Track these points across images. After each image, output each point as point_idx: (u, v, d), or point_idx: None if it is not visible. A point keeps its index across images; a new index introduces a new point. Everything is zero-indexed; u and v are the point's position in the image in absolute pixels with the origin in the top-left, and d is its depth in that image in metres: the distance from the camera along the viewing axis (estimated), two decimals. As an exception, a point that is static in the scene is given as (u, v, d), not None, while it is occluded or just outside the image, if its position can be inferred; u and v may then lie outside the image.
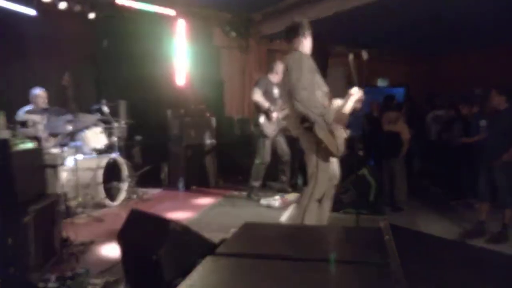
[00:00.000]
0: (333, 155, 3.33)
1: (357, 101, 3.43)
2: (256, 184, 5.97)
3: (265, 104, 5.70)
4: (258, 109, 5.78)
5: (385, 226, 2.23)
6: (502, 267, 3.96)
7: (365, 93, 3.50)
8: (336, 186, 3.58)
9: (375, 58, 9.55)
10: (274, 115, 5.75)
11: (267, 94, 5.77)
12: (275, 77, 5.83)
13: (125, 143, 6.93)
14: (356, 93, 3.42)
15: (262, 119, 5.76)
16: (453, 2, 6.34)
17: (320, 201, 3.41)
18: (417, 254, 4.09)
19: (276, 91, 5.86)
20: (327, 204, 3.54)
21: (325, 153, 3.27)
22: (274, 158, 6.03)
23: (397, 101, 7.19)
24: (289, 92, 3.37)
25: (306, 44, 3.49)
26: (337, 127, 3.32)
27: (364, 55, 3.38)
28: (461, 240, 4.61)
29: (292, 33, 3.50)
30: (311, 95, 3.22)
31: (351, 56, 3.42)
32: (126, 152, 6.93)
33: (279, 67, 5.84)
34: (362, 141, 6.40)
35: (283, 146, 5.99)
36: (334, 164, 3.48)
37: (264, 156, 5.83)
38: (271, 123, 5.79)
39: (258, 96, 5.70)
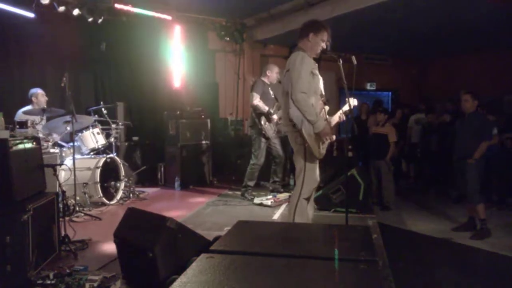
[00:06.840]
0: (316, 157, 3.42)
1: (346, 112, 3.54)
2: (251, 184, 6.07)
3: (265, 107, 5.78)
4: (258, 113, 5.84)
5: (373, 224, 2.32)
6: (485, 264, 4.12)
7: (355, 96, 3.62)
8: (315, 188, 3.66)
9: (364, 62, 9.73)
10: (274, 117, 5.85)
11: (264, 96, 5.86)
12: (268, 78, 5.95)
13: (122, 144, 7.05)
14: (351, 102, 3.54)
15: (263, 121, 5.84)
16: (443, 9, 6.50)
17: (308, 199, 3.50)
18: (405, 251, 4.23)
19: (271, 92, 5.98)
20: (310, 205, 3.63)
21: (311, 154, 3.36)
22: (268, 159, 6.15)
23: (384, 106, 7.37)
24: (284, 91, 3.41)
25: (311, 45, 3.39)
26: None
27: (354, 60, 3.45)
28: (449, 237, 4.76)
29: (301, 32, 3.48)
30: (308, 99, 3.24)
31: (340, 61, 3.50)
32: (123, 152, 7.05)
33: (271, 68, 5.96)
34: (351, 143, 6.52)
35: (278, 148, 6.09)
36: (316, 167, 3.55)
37: (259, 157, 5.94)
38: (271, 125, 5.90)
39: (257, 100, 5.76)
